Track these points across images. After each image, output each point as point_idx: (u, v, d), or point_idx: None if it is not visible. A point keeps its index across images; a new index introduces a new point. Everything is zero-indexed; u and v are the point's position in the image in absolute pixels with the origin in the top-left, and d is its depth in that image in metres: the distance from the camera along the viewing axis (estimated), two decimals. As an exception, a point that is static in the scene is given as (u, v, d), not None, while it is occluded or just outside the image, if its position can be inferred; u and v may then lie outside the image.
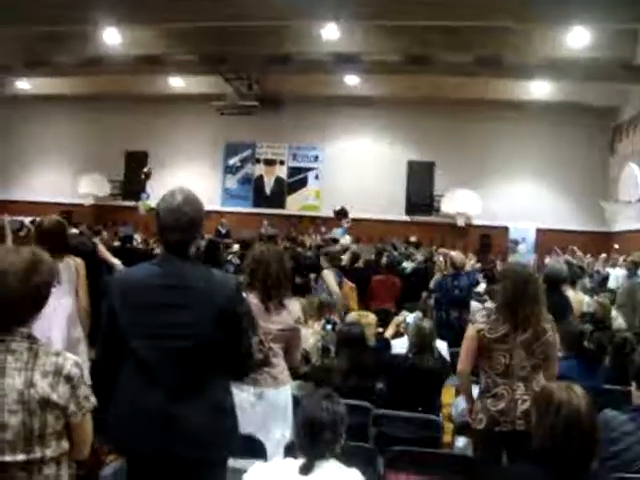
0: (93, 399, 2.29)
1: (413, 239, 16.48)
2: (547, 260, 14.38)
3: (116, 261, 5.13)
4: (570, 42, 13.80)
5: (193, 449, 2.72)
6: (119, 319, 2.78)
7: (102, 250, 5.28)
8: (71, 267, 4.78)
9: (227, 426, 2.88)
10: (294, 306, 4.13)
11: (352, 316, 5.87)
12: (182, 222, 2.85)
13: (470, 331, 3.90)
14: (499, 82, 17.83)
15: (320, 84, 18.99)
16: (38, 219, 5.23)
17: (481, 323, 3.85)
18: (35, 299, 2.24)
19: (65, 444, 2.23)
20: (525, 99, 18.45)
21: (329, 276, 7.71)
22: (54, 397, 2.15)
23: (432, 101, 19.16)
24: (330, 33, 14.69)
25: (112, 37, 15.41)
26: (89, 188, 22.01)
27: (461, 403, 4.60)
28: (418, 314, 6.48)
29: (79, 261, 4.87)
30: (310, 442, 2.66)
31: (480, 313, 4.04)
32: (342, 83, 18.68)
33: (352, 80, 18.50)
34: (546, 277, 5.82)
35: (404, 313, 6.40)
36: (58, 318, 4.66)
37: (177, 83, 19.98)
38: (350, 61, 16.44)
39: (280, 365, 4.00)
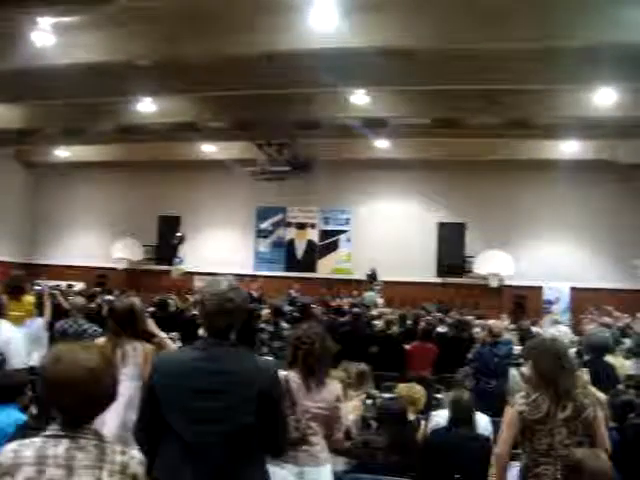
0: None
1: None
2: (585, 322, 14.18)
3: (163, 335, 5.14)
4: (597, 101, 13.88)
5: None
6: (162, 399, 2.85)
7: (151, 325, 5.30)
8: (138, 351, 4.76)
9: None
10: (335, 385, 4.15)
11: (400, 388, 5.77)
12: (227, 308, 2.93)
13: (510, 414, 3.78)
14: (528, 142, 17.94)
15: (349, 148, 19.27)
16: (113, 301, 5.26)
17: (520, 405, 3.75)
18: (105, 398, 2.28)
19: None
20: (554, 158, 18.47)
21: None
22: None
23: (461, 162, 19.28)
24: (359, 99, 14.93)
25: (146, 106, 15.84)
26: (123, 252, 22.32)
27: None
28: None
29: (149, 347, 4.84)
30: None
31: (519, 394, 3.89)
32: (371, 146, 18.89)
33: (381, 143, 18.71)
34: (590, 346, 5.72)
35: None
36: (117, 401, 4.60)
37: (209, 149, 20.37)
38: (378, 125, 16.66)
39: (320, 444, 3.99)
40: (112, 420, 4.52)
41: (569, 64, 12.06)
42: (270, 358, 3.61)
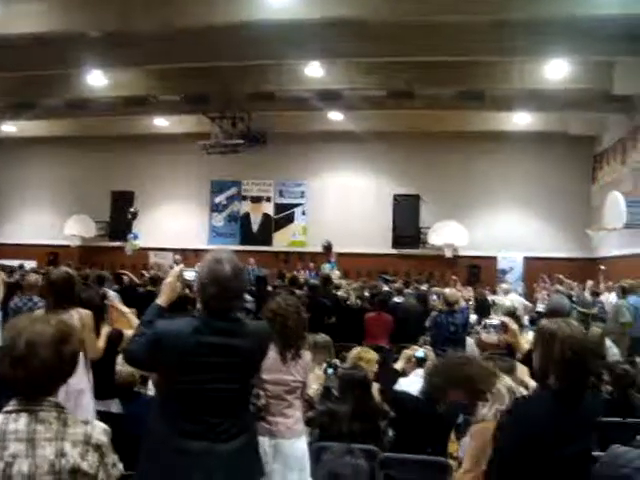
0: (120, 466, 2.30)
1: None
2: (538, 290, 14.50)
3: (127, 309, 5.12)
4: (549, 74, 14.06)
5: None
6: (167, 364, 2.96)
7: (112, 298, 5.27)
8: (75, 318, 4.76)
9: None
10: (308, 355, 4.18)
11: (354, 352, 5.86)
12: (230, 295, 3.01)
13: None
14: (481, 114, 18.12)
15: (304, 120, 19.18)
16: (49, 270, 5.23)
17: None
18: (65, 369, 2.25)
19: None
20: (507, 130, 18.75)
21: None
22: (84, 466, 2.15)
23: (415, 135, 19.39)
24: (313, 71, 14.85)
25: (96, 79, 15.49)
26: (75, 229, 21.95)
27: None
28: (427, 348, 6.49)
29: (84, 312, 4.84)
30: None
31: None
32: (326, 119, 18.86)
33: (336, 116, 18.68)
34: (550, 313, 5.86)
35: (414, 347, 6.39)
36: None
37: (161, 123, 20.08)
38: (333, 97, 16.62)
39: (295, 416, 4.02)
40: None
41: (521, 36, 12.18)
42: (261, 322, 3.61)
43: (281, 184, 21.99)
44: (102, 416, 4.63)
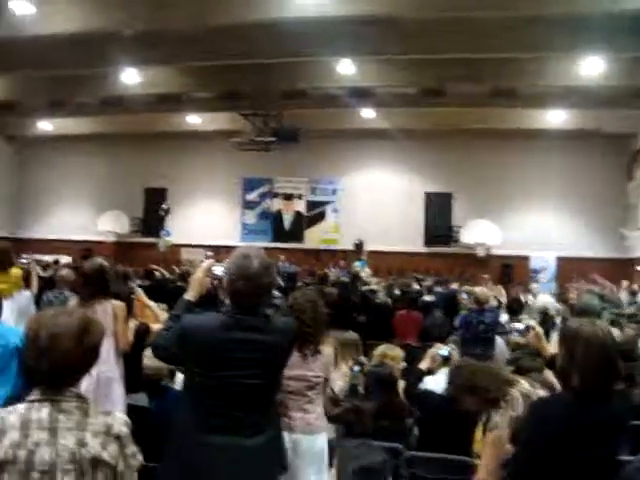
0: (140, 457, 2.32)
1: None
2: (571, 290, 14.29)
3: (153, 304, 5.18)
4: (584, 71, 13.84)
5: None
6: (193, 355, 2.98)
7: (139, 294, 5.34)
8: (107, 309, 4.84)
9: None
10: (328, 350, 4.17)
11: (379, 349, 5.84)
12: (258, 291, 3.01)
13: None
14: (515, 112, 17.91)
15: (336, 118, 19.16)
16: (82, 263, 5.31)
17: None
18: (86, 360, 2.29)
19: None
20: (541, 128, 18.50)
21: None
22: (105, 456, 2.19)
23: (448, 132, 19.27)
24: (345, 68, 14.83)
25: (131, 77, 15.66)
26: (109, 225, 22.22)
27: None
28: (452, 346, 6.45)
29: (117, 303, 4.92)
30: None
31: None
32: (358, 116, 18.83)
33: (368, 113, 18.65)
34: (579, 312, 5.78)
35: (438, 345, 6.34)
36: None
37: (194, 120, 20.22)
38: (365, 95, 16.59)
39: (315, 412, 4.01)
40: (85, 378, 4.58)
41: (557, 32, 12.01)
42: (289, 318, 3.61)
43: (313, 182, 22.03)
44: (129, 409, 4.69)
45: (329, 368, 4.17)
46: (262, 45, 13.21)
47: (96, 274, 4.95)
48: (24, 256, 10.66)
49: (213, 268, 3.40)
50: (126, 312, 4.95)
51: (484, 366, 4.10)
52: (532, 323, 3.95)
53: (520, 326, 4.03)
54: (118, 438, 2.23)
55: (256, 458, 2.97)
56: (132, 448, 2.28)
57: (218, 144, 19.92)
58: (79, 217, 22.88)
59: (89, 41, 13.06)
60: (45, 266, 12.29)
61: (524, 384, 3.64)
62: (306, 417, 3.93)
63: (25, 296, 7.74)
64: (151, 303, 5.15)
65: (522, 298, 12.07)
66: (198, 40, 13.39)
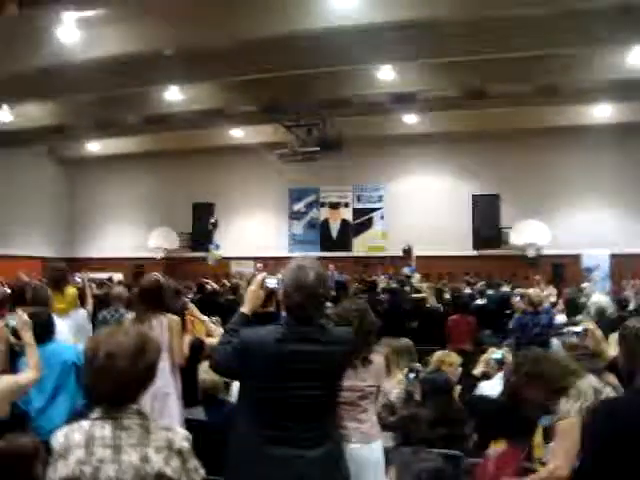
0: (202, 471, 2.34)
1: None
2: (628, 288, 13.96)
3: (206, 318, 5.23)
4: (630, 61, 13.55)
5: None
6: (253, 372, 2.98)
7: (192, 309, 5.41)
8: (163, 324, 4.90)
9: None
10: (380, 359, 4.14)
11: (436, 356, 5.80)
12: (314, 302, 3.01)
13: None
14: (559, 109, 17.64)
15: (379, 124, 19.15)
16: (140, 279, 5.42)
17: None
18: (145, 378, 2.33)
19: None
20: (587, 123, 18.15)
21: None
22: (168, 471, 2.21)
23: (492, 133, 19.06)
24: (385, 74, 14.82)
25: (173, 95, 15.92)
26: (159, 242, 22.55)
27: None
28: (505, 349, 6.37)
29: (173, 317, 4.99)
30: None
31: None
32: (401, 122, 18.79)
33: (410, 119, 18.59)
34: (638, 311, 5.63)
35: (491, 349, 6.28)
36: None
37: (238, 134, 20.43)
38: (407, 100, 16.52)
39: (370, 421, 3.98)
40: None
41: (600, 25, 11.78)
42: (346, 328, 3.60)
43: (359, 189, 22.02)
44: (186, 423, 4.73)
45: (381, 377, 4.14)
46: (301, 56, 13.29)
47: (153, 289, 5.05)
48: (78, 275, 10.84)
49: (266, 280, 3.41)
50: (181, 326, 5.01)
51: (550, 354, 4.01)
52: (590, 325, 3.83)
53: (577, 329, 3.92)
54: (180, 453, 2.25)
55: (318, 469, 2.96)
56: (194, 462, 2.30)
57: (262, 156, 20.06)
58: (129, 235, 23.29)
59: (131, 62, 13.31)
60: (99, 284, 12.51)
61: (593, 378, 3.55)
62: (360, 427, 3.91)
63: (81, 314, 7.92)
64: (204, 317, 5.20)
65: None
66: (238, 54, 13.53)
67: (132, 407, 2.28)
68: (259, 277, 3.39)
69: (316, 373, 2.99)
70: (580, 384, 3.53)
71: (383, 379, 4.22)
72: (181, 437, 2.29)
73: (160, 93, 16.08)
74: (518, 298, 9.97)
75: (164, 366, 4.83)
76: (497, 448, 4.30)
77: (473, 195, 20.95)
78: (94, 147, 21.98)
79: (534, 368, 3.65)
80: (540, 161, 19.53)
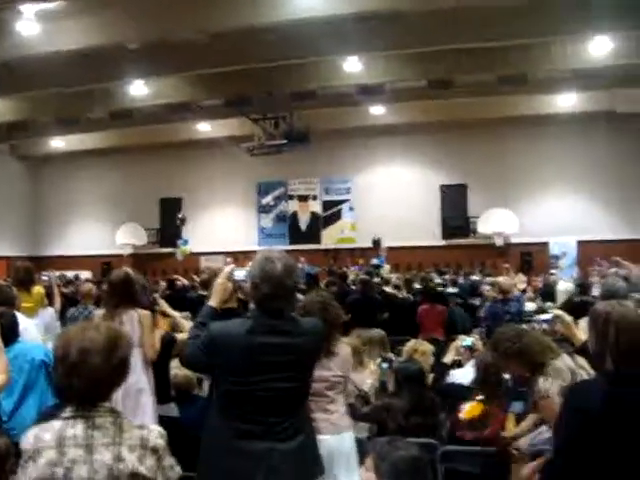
0: (178, 469, 2.30)
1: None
2: (593, 274, 14.14)
3: (176, 314, 5.18)
4: (593, 51, 13.71)
5: None
6: (223, 365, 2.96)
7: (162, 304, 5.36)
8: (134, 319, 4.84)
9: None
10: (346, 350, 4.14)
11: (409, 345, 5.84)
12: (283, 293, 2.98)
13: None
14: (525, 98, 17.79)
15: (346, 116, 19.13)
16: (109, 273, 5.35)
17: None
18: (117, 374, 2.27)
19: None
20: (552, 112, 18.36)
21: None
22: (143, 470, 2.17)
23: (458, 123, 19.18)
24: (352, 66, 14.81)
25: (138, 89, 15.74)
26: (127, 238, 22.35)
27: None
28: (475, 337, 6.43)
29: (143, 312, 4.92)
30: None
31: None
32: (368, 113, 18.81)
33: (378, 110, 18.62)
34: (604, 296, 5.69)
35: (461, 337, 6.34)
36: None
37: (205, 128, 20.27)
38: (374, 92, 16.50)
39: (338, 411, 3.98)
40: None
41: (562, 15, 11.91)
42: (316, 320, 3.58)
43: (327, 181, 22.01)
44: (160, 420, 4.68)
45: (347, 367, 4.14)
46: (267, 48, 13.22)
47: (123, 283, 4.98)
48: (45, 273, 10.70)
49: (234, 273, 3.37)
50: (152, 321, 4.95)
51: (528, 330, 4.06)
52: (558, 312, 3.86)
53: (547, 316, 3.96)
54: (155, 451, 2.21)
55: (291, 462, 2.95)
56: (169, 460, 2.26)
57: (230, 150, 19.94)
58: (97, 232, 23.02)
59: (94, 56, 13.15)
60: (67, 282, 12.37)
61: (568, 359, 3.60)
62: (329, 417, 3.91)
63: (49, 313, 7.82)
64: (174, 313, 5.15)
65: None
66: (203, 48, 13.43)
67: (105, 405, 2.23)
68: (227, 269, 3.35)
69: (287, 365, 2.97)
70: (556, 363, 3.58)
71: (350, 369, 4.22)
72: (156, 435, 2.25)
73: (125, 87, 15.87)
74: (488, 287, 10.06)
75: (136, 362, 4.77)
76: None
77: (441, 185, 21.06)
78: (58, 144, 21.63)
79: (514, 343, 3.69)
80: (506, 150, 19.71)
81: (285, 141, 18.00)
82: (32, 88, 14.90)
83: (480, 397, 4.54)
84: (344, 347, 4.15)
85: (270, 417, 2.93)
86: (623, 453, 2.63)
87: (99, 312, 5.06)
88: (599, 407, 2.64)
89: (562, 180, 19.62)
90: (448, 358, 5.87)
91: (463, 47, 13.76)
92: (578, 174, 19.38)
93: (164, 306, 5.34)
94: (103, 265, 21.42)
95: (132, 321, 4.83)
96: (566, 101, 17.77)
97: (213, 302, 3.24)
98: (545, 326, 3.97)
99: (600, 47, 13.50)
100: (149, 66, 14.07)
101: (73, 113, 17.82)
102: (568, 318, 3.67)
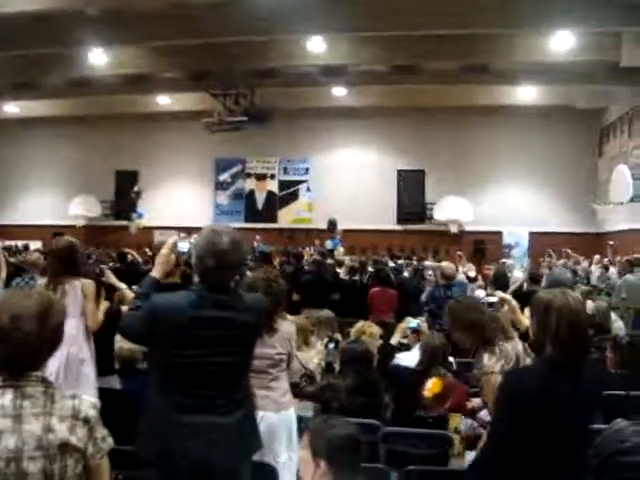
0: (110, 440, 2.26)
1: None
2: (544, 265, 14.39)
3: (123, 286, 5.11)
4: (554, 46, 13.85)
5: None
6: (164, 335, 2.92)
7: (109, 276, 5.30)
8: (77, 288, 4.76)
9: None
10: (288, 326, 4.14)
11: (357, 326, 5.87)
12: (228, 268, 2.98)
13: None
14: (486, 88, 17.95)
15: (308, 97, 19.02)
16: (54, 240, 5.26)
17: None
18: (49, 342, 2.22)
19: None
20: (512, 104, 18.57)
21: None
22: (73, 440, 2.12)
23: (420, 110, 19.25)
24: (316, 46, 14.70)
25: (98, 58, 15.39)
26: (80, 209, 21.96)
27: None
28: (421, 319, 6.50)
29: (86, 282, 4.84)
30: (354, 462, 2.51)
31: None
32: (330, 95, 18.75)
33: (340, 91, 18.56)
34: (551, 286, 5.80)
35: (408, 319, 6.39)
36: None
37: (164, 101, 19.97)
38: (337, 73, 16.46)
39: (281, 389, 4.01)
40: (54, 356, 4.54)
41: (526, 8, 12.00)
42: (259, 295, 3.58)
43: (285, 161, 21.92)
44: (102, 392, 4.63)
45: (291, 344, 4.15)
46: (231, 23, 13.04)
47: (65, 252, 4.89)
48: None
49: (178, 244, 3.34)
50: (95, 291, 4.88)
51: (482, 306, 4.11)
52: (505, 295, 3.89)
53: (493, 299, 4.00)
54: (86, 421, 2.16)
55: (231, 436, 2.94)
56: (102, 431, 2.22)
57: (189, 125, 19.72)
58: (49, 201, 22.56)
59: (53, 20, 12.81)
60: (15, 252, 12.10)
61: (520, 346, 3.65)
62: (271, 395, 3.93)
63: (-7, 283, 7.64)
64: (121, 285, 5.08)
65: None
66: (166, 19, 13.20)
67: (36, 374, 2.17)
68: (170, 241, 3.32)
69: (229, 340, 2.95)
70: (506, 346, 3.63)
71: (294, 347, 4.23)
72: (88, 405, 2.20)
73: (83, 55, 15.47)
74: (430, 272, 10.15)
75: (78, 332, 4.72)
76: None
77: (399, 170, 21.15)
78: (12, 109, 21.06)
79: (466, 315, 3.74)
80: (466, 138, 19.88)
81: (245, 118, 17.84)
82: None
83: (437, 373, 4.61)
84: (287, 325, 4.16)
85: (210, 391, 2.92)
86: (555, 440, 2.69)
87: (42, 281, 4.97)
88: (535, 394, 2.68)
89: (518, 171, 19.89)
90: (394, 339, 5.91)
91: (429, 34, 13.78)
92: (534, 166, 19.66)
93: (111, 278, 5.27)
94: (54, 236, 20.97)
95: (75, 290, 4.76)
96: (527, 94, 17.98)
97: (156, 273, 3.21)
98: (490, 309, 4.00)
99: (562, 42, 13.64)
100: (109, 34, 13.76)
101: (29, 78, 17.34)
102: (514, 302, 3.70)
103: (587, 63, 14.88)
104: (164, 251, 3.26)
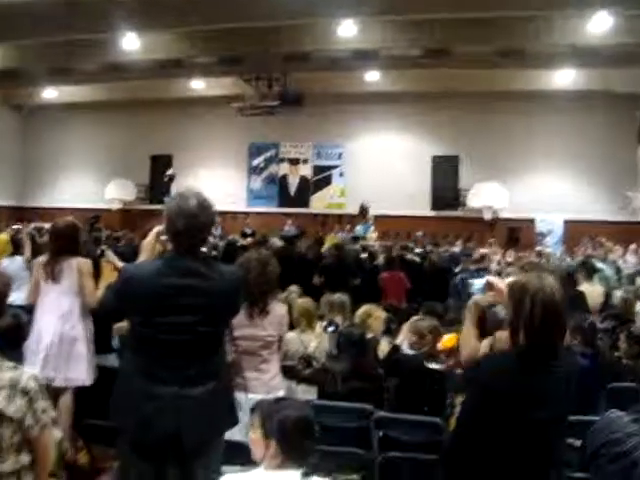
0: (52, 413, 2.27)
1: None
2: (579, 253, 14.13)
3: (122, 264, 5.19)
4: (593, 28, 13.48)
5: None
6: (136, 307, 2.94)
7: (110, 256, 5.38)
8: (72, 265, 4.85)
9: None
10: (280, 308, 4.12)
11: (363, 309, 5.84)
12: (196, 228, 2.98)
13: None
14: (522, 73, 17.58)
15: (341, 81, 18.90)
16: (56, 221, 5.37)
17: None
18: None
19: (25, 457, 2.21)
20: (549, 89, 18.16)
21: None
22: (9, 411, 2.14)
23: (454, 94, 18.95)
24: (347, 30, 14.58)
25: (131, 43, 15.50)
26: (116, 193, 22.22)
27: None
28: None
29: (82, 260, 4.92)
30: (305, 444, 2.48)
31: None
32: (362, 80, 18.60)
33: (373, 76, 18.41)
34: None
35: (414, 318, 6.30)
36: (51, 314, 4.76)
37: (198, 86, 20.05)
38: (369, 57, 16.32)
39: (271, 371, 3.99)
40: (47, 333, 4.63)
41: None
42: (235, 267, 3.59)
43: (319, 146, 21.82)
44: (100, 370, 4.68)
45: (283, 327, 4.13)
46: (264, 8, 13.04)
47: (66, 231, 5.01)
48: (19, 223, 10.68)
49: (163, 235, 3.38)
50: (92, 269, 4.94)
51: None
52: (492, 278, 3.77)
53: (480, 281, 3.89)
54: (25, 393, 2.18)
55: (203, 407, 2.94)
56: (42, 404, 2.23)
57: (223, 110, 19.71)
58: (86, 185, 22.87)
59: (88, 5, 12.93)
60: (45, 233, 12.31)
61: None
62: (261, 377, 3.92)
63: (17, 262, 7.86)
64: (121, 264, 5.14)
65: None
66: (199, 4, 13.25)
67: None
68: (155, 229, 3.37)
69: (196, 308, 2.94)
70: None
71: (285, 329, 4.22)
72: (28, 376, 2.22)
73: (117, 40, 15.61)
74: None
75: (72, 309, 4.78)
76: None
77: (433, 156, 20.90)
78: (51, 94, 21.38)
79: None
80: (501, 124, 19.53)
81: (278, 103, 17.81)
82: (25, 37, 14.64)
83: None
84: (279, 307, 4.15)
85: (179, 360, 2.91)
86: (526, 431, 2.62)
87: (41, 259, 5.05)
88: (506, 383, 2.62)
89: (554, 157, 19.49)
90: (399, 339, 5.85)
91: (463, 17, 13.56)
92: (570, 153, 19.23)
93: (110, 257, 5.34)
94: (91, 219, 21.28)
95: (71, 269, 4.85)
96: (563, 78, 17.54)
97: (140, 259, 3.29)
98: (477, 293, 3.90)
99: (600, 24, 13.26)
100: (143, 19, 13.88)
101: (65, 64, 17.60)
102: (501, 285, 3.56)
103: (626, 45, 14.44)
104: (148, 239, 3.34)
